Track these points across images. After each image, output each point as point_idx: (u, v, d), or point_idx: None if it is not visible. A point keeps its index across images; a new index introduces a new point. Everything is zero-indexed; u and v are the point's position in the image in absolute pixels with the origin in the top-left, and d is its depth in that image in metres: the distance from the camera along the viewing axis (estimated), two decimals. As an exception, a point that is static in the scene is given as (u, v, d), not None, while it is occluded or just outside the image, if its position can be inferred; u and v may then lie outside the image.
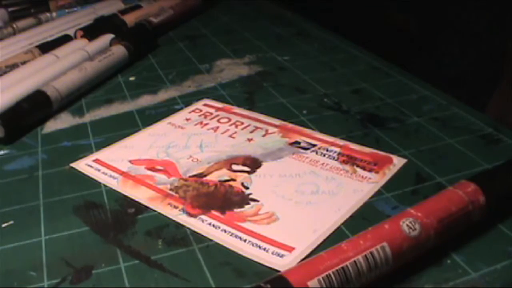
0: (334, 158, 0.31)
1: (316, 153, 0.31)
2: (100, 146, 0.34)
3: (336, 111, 0.37)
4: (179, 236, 0.26)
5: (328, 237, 0.25)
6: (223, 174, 0.30)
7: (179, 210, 0.27)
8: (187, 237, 0.25)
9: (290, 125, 0.35)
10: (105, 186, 0.29)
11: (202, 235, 0.25)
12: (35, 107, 0.37)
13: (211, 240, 0.25)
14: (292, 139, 0.33)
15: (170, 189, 0.29)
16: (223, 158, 0.31)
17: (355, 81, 0.41)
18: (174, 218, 0.27)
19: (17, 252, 0.25)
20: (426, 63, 0.52)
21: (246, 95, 0.39)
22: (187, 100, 0.39)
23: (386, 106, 0.37)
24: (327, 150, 0.32)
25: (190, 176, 0.30)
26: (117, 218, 0.27)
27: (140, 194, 0.29)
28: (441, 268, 0.23)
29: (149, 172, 0.30)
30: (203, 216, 0.27)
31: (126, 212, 0.27)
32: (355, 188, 0.28)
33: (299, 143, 0.33)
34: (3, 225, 0.27)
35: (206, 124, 0.35)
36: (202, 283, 0.23)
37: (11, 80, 0.40)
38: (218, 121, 0.36)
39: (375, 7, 0.55)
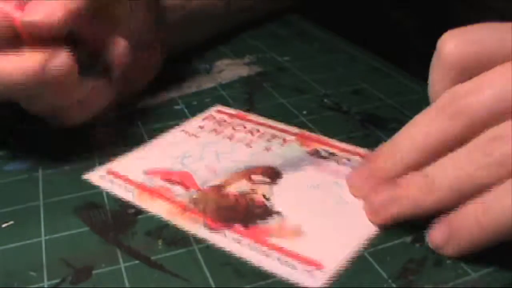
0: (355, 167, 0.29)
1: (337, 162, 0.30)
2: (100, 146, 0.33)
3: (336, 111, 0.37)
4: (179, 236, 0.26)
5: (357, 251, 0.24)
6: (242, 185, 0.29)
7: (200, 225, 0.26)
8: (187, 237, 0.25)
9: (308, 133, 0.34)
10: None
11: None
12: None
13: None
14: (311, 147, 0.32)
15: (189, 202, 0.28)
16: (242, 169, 0.30)
17: (355, 81, 0.41)
18: (195, 233, 0.26)
19: (17, 252, 0.25)
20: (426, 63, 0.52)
21: (246, 96, 0.39)
22: (187, 100, 0.39)
23: (386, 106, 0.37)
24: (348, 160, 0.31)
25: (208, 188, 0.29)
26: (117, 218, 0.27)
27: (157, 208, 0.27)
28: (441, 268, 0.23)
29: (166, 184, 0.29)
30: (225, 231, 0.26)
31: (126, 212, 0.27)
32: None
33: (319, 152, 0.31)
34: (3, 225, 0.27)
35: (220, 132, 0.34)
36: (202, 283, 0.23)
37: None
38: (233, 128, 0.35)
39: (375, 7, 0.55)
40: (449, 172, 0.24)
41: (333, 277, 0.23)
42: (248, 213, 0.27)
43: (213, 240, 0.25)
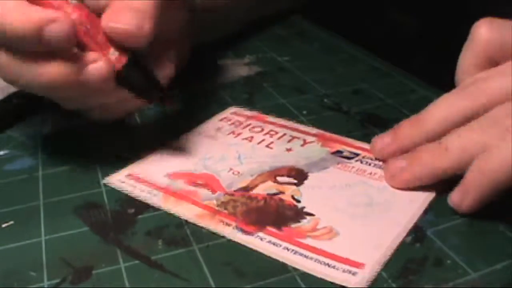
0: (380, 167, 0.30)
1: (361, 162, 0.30)
2: (100, 146, 0.33)
3: (336, 111, 0.37)
4: (179, 236, 0.26)
5: (395, 251, 0.24)
6: (269, 187, 0.29)
7: (233, 228, 0.26)
8: (187, 237, 0.25)
9: (328, 134, 0.33)
10: (105, 186, 0.29)
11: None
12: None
13: (211, 240, 0.25)
14: (334, 148, 0.32)
15: (218, 205, 0.27)
16: (266, 170, 0.30)
17: (355, 81, 0.41)
18: (229, 237, 0.25)
19: (17, 252, 0.25)
20: (426, 63, 0.52)
21: (246, 96, 0.39)
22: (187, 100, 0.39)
23: (386, 106, 0.37)
24: (371, 159, 0.30)
25: (235, 190, 0.28)
26: (117, 218, 0.27)
27: (186, 212, 0.27)
28: (441, 268, 0.23)
29: (191, 187, 0.29)
30: (260, 234, 0.25)
31: (126, 212, 0.27)
32: (411, 198, 0.27)
33: (342, 152, 0.31)
34: (3, 225, 0.27)
35: (239, 134, 0.34)
36: (202, 283, 0.23)
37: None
38: (251, 130, 0.34)
39: (375, 7, 0.55)
40: (461, 137, 0.26)
41: (375, 276, 0.23)
42: (279, 215, 0.26)
43: (249, 243, 0.25)
